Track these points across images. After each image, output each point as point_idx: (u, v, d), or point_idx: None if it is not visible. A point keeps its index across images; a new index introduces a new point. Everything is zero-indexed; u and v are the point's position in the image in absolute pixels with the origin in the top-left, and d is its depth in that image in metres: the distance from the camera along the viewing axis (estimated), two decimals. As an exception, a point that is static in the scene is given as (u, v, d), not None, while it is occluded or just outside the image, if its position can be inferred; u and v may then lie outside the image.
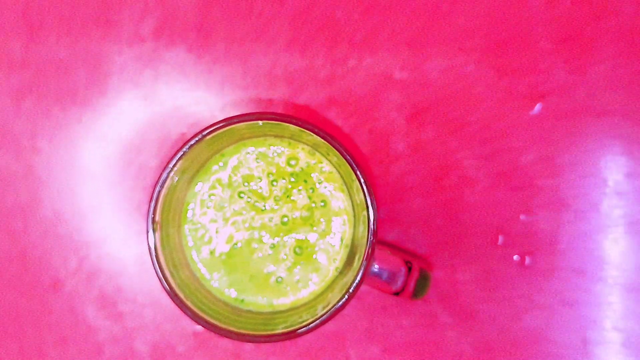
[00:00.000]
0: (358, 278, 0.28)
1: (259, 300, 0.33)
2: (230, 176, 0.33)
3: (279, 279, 0.33)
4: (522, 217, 0.37)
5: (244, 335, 0.29)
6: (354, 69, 0.37)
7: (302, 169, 0.34)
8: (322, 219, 0.33)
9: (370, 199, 0.28)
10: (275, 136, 0.33)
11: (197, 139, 0.29)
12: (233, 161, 0.33)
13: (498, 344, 0.37)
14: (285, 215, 0.33)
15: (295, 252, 0.33)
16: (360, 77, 0.38)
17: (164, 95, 0.38)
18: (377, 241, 0.33)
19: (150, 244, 0.29)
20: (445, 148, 0.37)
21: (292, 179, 0.34)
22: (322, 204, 0.33)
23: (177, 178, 0.30)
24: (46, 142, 0.38)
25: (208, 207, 0.33)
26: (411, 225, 0.37)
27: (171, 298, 0.28)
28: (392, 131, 0.37)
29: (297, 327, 0.28)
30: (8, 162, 0.38)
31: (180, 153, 0.29)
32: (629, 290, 0.37)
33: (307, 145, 0.33)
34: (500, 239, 0.37)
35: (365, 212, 0.29)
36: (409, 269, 0.32)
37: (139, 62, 0.38)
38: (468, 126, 0.37)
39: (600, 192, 0.37)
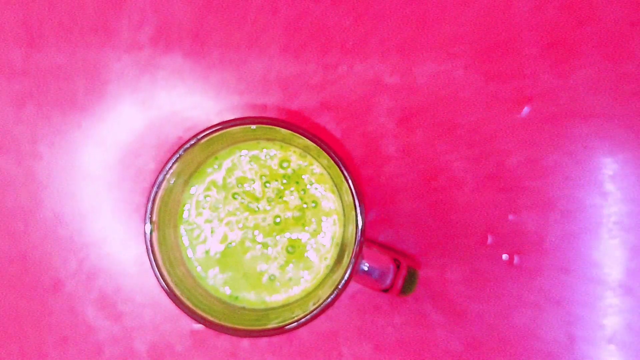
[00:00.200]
0: (347, 275, 0.29)
1: (253, 298, 0.33)
2: (224, 178, 0.33)
3: (272, 277, 0.33)
4: (510, 217, 0.37)
5: (237, 330, 0.29)
6: (346, 74, 0.38)
7: (293, 171, 0.34)
8: (313, 219, 0.33)
9: (359, 200, 0.29)
10: (268, 139, 0.33)
11: (192, 142, 0.29)
12: (227, 164, 0.33)
13: (487, 341, 0.37)
14: (277, 216, 0.33)
15: (287, 250, 0.33)
16: (351, 83, 0.38)
17: (161, 100, 0.38)
18: (368, 241, 0.33)
19: (147, 243, 0.29)
20: (434, 151, 0.38)
21: (284, 181, 0.34)
22: (313, 204, 0.34)
23: (173, 180, 0.31)
24: (46, 147, 0.38)
25: (203, 208, 0.33)
26: (402, 226, 0.38)
27: (167, 295, 0.29)
28: (383, 134, 0.38)
29: (288, 322, 0.29)
30: (9, 166, 0.38)
31: (176, 156, 0.29)
32: (613, 288, 0.37)
33: (299, 148, 0.33)
34: (490, 238, 0.37)
35: (353, 212, 0.29)
36: (397, 267, 0.33)
37: (137, 68, 0.38)
38: (456, 129, 0.38)
39: (586, 192, 0.37)
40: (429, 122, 0.38)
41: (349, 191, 0.29)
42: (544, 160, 0.38)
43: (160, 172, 0.29)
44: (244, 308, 0.33)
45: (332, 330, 0.38)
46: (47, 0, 0.38)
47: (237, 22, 0.38)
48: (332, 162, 0.29)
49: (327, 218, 0.33)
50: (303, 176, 0.34)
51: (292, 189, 0.34)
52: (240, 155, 0.34)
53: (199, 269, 0.33)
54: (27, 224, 0.38)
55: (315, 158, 0.33)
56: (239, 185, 0.34)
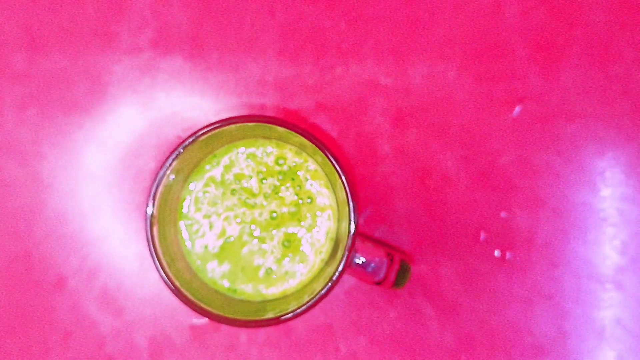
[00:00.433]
0: (341, 267, 0.29)
1: (250, 290, 0.33)
2: (222, 175, 0.33)
3: (269, 270, 0.33)
4: (502, 214, 0.38)
5: (235, 320, 0.29)
6: (341, 76, 0.38)
7: (289, 167, 0.34)
8: (308, 214, 0.34)
9: (352, 195, 0.29)
10: (264, 137, 0.33)
11: (191, 140, 0.29)
12: (225, 161, 0.34)
13: (479, 335, 0.38)
14: (274, 211, 0.34)
15: (283, 245, 0.33)
16: (347, 84, 0.38)
17: (161, 101, 0.38)
18: (362, 236, 0.33)
19: (148, 237, 0.29)
20: (428, 150, 0.38)
21: (280, 177, 0.34)
22: (309, 200, 0.34)
23: (173, 177, 0.31)
24: (49, 148, 0.38)
25: (202, 204, 0.33)
26: (396, 223, 0.38)
27: (168, 287, 0.29)
28: (378, 134, 0.38)
29: (284, 312, 0.29)
30: (13, 166, 0.38)
31: (176, 153, 0.29)
32: (602, 283, 0.37)
33: (294, 145, 0.34)
34: (482, 235, 0.38)
35: (347, 208, 0.29)
36: (391, 261, 0.33)
37: (137, 71, 0.38)
38: (449, 129, 0.38)
39: (575, 190, 0.38)
40: (423, 122, 0.38)
41: (343, 187, 0.29)
42: (534, 159, 0.38)
43: (160, 169, 0.29)
44: (241, 300, 0.33)
45: (328, 325, 0.38)
46: (49, 5, 0.39)
47: (235, 26, 0.38)
48: (326, 159, 0.29)
49: (322, 213, 0.34)
50: (298, 173, 0.34)
51: (287, 185, 0.34)
52: (238, 153, 0.34)
53: (198, 262, 0.33)
54: (30, 223, 0.38)
55: (310, 155, 0.34)
56: (237, 181, 0.34)
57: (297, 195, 0.34)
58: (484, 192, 0.38)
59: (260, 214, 0.33)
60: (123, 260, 0.38)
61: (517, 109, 0.38)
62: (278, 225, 0.34)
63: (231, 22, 0.38)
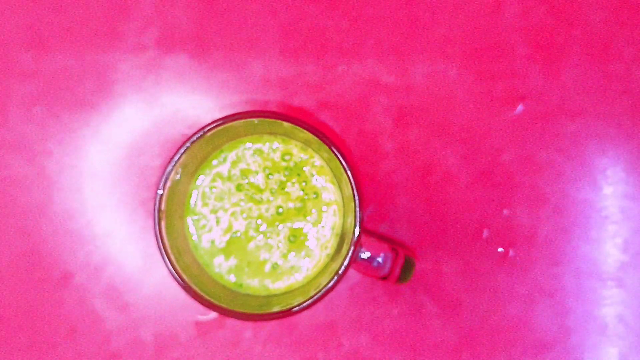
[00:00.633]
0: (346, 261, 0.29)
1: (256, 285, 0.33)
2: (229, 170, 0.34)
3: (275, 265, 0.33)
4: (504, 212, 0.38)
5: (241, 313, 0.29)
6: (343, 74, 0.38)
7: (295, 163, 0.34)
8: (314, 210, 0.34)
9: (357, 191, 0.29)
10: (270, 133, 0.34)
11: (198, 135, 0.29)
12: (232, 156, 0.34)
13: (481, 331, 0.38)
14: (280, 206, 0.34)
15: (289, 240, 0.34)
16: (349, 82, 0.38)
17: (165, 99, 0.39)
18: (367, 231, 0.33)
19: (156, 232, 0.30)
20: (430, 147, 0.38)
21: (286, 173, 0.34)
22: (314, 195, 0.34)
23: (180, 172, 0.31)
24: (56, 145, 0.39)
25: (209, 199, 0.34)
26: (399, 220, 0.38)
27: (176, 280, 0.29)
28: (380, 132, 0.38)
29: (292, 306, 0.29)
30: (20, 164, 0.39)
31: (183, 148, 0.29)
32: (603, 280, 0.38)
33: (300, 141, 0.34)
34: (485, 232, 0.38)
35: (353, 203, 0.30)
36: (395, 256, 0.33)
37: (142, 69, 0.38)
38: (451, 127, 0.38)
39: (576, 188, 0.38)
40: (425, 120, 0.38)
41: (348, 182, 0.29)
42: (536, 157, 0.38)
43: (168, 164, 0.29)
44: (248, 295, 0.33)
45: (331, 321, 0.38)
46: (56, 4, 0.39)
47: (238, 25, 0.38)
48: (332, 154, 0.30)
49: (328, 208, 0.34)
50: (304, 168, 0.34)
51: (293, 180, 0.34)
52: (245, 149, 0.34)
53: (205, 257, 0.33)
54: (37, 219, 0.38)
55: (316, 151, 0.34)
56: (243, 177, 0.34)
57: (303, 190, 0.34)
58: (485, 189, 0.38)
59: (267, 209, 0.34)
60: (129, 257, 0.39)
61: (518, 107, 0.38)
62: (284, 220, 0.34)
63: (234, 21, 0.38)
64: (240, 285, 0.33)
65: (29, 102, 0.39)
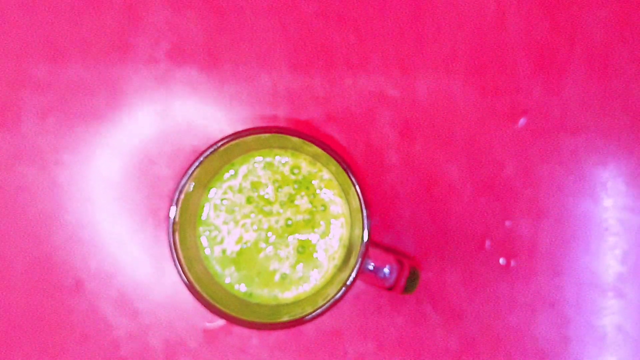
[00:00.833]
0: (354, 273, 0.29)
1: (266, 294, 0.33)
2: (240, 183, 0.34)
3: (284, 275, 0.34)
4: (506, 223, 0.38)
5: (251, 323, 0.30)
6: (350, 88, 0.38)
7: (304, 176, 0.34)
8: (322, 222, 0.34)
9: (365, 204, 0.30)
10: (280, 147, 0.34)
11: (212, 150, 0.30)
12: (243, 170, 0.34)
13: (484, 340, 0.38)
14: (289, 218, 0.34)
15: (298, 251, 0.34)
16: (355, 96, 0.38)
17: (176, 111, 0.39)
18: (373, 243, 0.33)
19: (171, 243, 0.30)
20: (434, 160, 0.38)
21: (296, 186, 0.34)
22: (322, 208, 0.34)
23: (193, 184, 0.31)
24: (69, 155, 0.39)
25: (220, 211, 0.34)
26: (403, 231, 0.38)
27: (189, 289, 0.30)
28: (386, 145, 0.38)
29: (302, 315, 0.29)
30: (34, 173, 0.39)
31: (197, 162, 0.30)
32: (603, 291, 0.38)
33: (309, 155, 0.34)
34: (487, 243, 0.38)
35: (360, 215, 0.30)
36: (401, 267, 0.33)
37: (154, 81, 0.39)
38: (455, 140, 0.38)
39: (577, 201, 0.38)
40: (429, 133, 0.38)
41: (356, 195, 0.30)
42: (537, 170, 0.38)
43: (182, 177, 0.30)
44: (257, 304, 0.33)
45: (336, 329, 0.38)
46: (70, 17, 0.39)
47: (248, 39, 0.39)
48: (341, 168, 0.30)
49: (335, 221, 0.34)
50: (313, 182, 0.34)
51: (302, 193, 0.34)
52: (255, 162, 0.34)
53: (216, 267, 0.34)
54: (50, 228, 0.39)
55: (324, 165, 0.34)
56: (254, 189, 0.34)
57: (311, 203, 0.34)
58: (488, 201, 0.38)
59: (277, 221, 0.34)
60: (139, 265, 0.39)
61: (521, 121, 0.38)
62: (293, 232, 0.34)
63: (244, 35, 0.39)
64: (250, 295, 0.34)
65: (43, 112, 0.39)
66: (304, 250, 0.34)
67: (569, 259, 0.38)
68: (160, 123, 0.39)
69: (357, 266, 0.30)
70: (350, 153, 0.38)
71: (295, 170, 0.34)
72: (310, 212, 0.34)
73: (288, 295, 0.34)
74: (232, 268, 0.34)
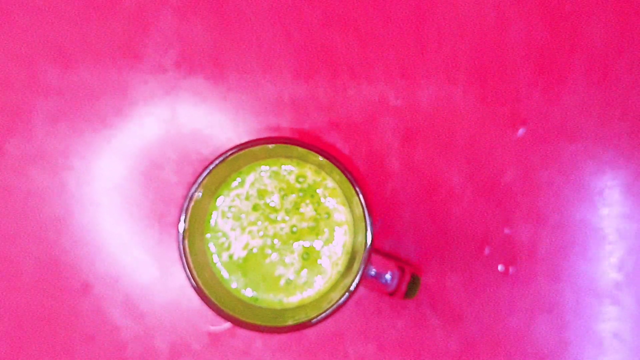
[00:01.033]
0: (357, 279, 0.30)
1: (271, 299, 0.34)
2: (247, 191, 0.34)
3: (289, 281, 0.34)
4: (505, 230, 0.38)
5: (257, 326, 0.30)
6: (353, 96, 0.39)
7: (309, 185, 0.34)
8: (326, 229, 0.34)
9: (368, 212, 0.30)
10: (286, 157, 0.34)
11: (220, 159, 0.30)
12: (250, 178, 0.34)
13: (483, 344, 0.38)
14: (294, 225, 0.34)
15: (302, 257, 0.34)
16: (358, 104, 0.39)
17: (183, 118, 0.39)
18: (375, 250, 0.34)
19: (180, 250, 0.30)
20: (435, 167, 0.39)
21: (301, 194, 0.34)
22: (326, 215, 0.34)
23: (201, 192, 0.32)
24: (78, 160, 0.39)
25: (228, 218, 0.34)
26: (405, 236, 0.38)
27: (198, 293, 0.30)
28: (388, 152, 0.39)
29: (307, 319, 0.30)
30: (44, 178, 0.39)
31: (207, 171, 0.30)
32: (600, 297, 0.38)
33: (313, 165, 0.34)
34: (487, 249, 0.38)
35: (363, 223, 0.31)
36: (402, 274, 0.34)
37: (162, 89, 0.39)
38: (455, 147, 0.39)
39: (575, 207, 0.38)
40: (430, 140, 0.39)
41: (359, 204, 0.30)
42: (536, 177, 0.39)
43: (192, 185, 0.30)
44: (262, 308, 0.34)
45: (338, 332, 0.38)
46: (81, 26, 0.39)
47: (254, 48, 0.39)
48: (344, 177, 0.30)
49: (339, 228, 0.34)
50: (317, 190, 0.34)
51: (307, 201, 0.34)
52: (261, 171, 0.34)
53: (223, 272, 0.34)
54: (58, 231, 0.39)
55: (328, 174, 0.34)
56: (260, 197, 0.34)
57: (315, 211, 0.34)
58: (488, 207, 0.39)
59: (282, 229, 0.34)
60: (145, 268, 0.39)
61: (520, 129, 0.39)
62: (298, 238, 0.34)
63: (250, 45, 0.39)
64: (256, 299, 0.34)
65: (53, 118, 0.39)
66: (309, 257, 0.34)
67: (567, 265, 0.38)
68: (167, 130, 0.39)
69: (360, 272, 0.30)
70: (353, 160, 0.39)
71: (301, 179, 0.35)
72: (315, 220, 0.34)
73: (293, 299, 0.34)
74: (239, 273, 0.34)
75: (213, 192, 0.34)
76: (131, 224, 0.39)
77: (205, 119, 0.39)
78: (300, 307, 0.33)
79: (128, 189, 0.39)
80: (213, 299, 0.30)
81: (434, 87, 0.39)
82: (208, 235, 0.34)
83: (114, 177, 0.39)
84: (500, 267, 0.38)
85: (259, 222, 0.34)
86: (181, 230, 0.30)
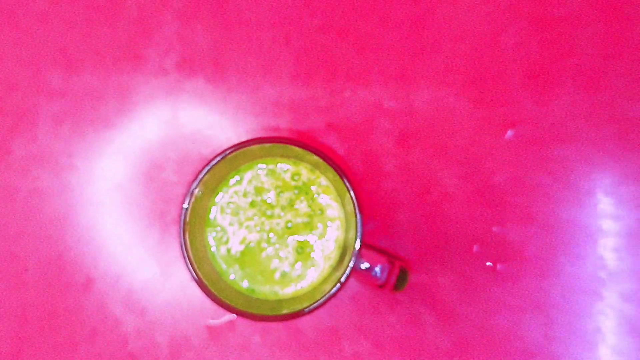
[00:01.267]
0: (348, 270, 0.31)
1: (267, 290, 0.35)
2: (245, 188, 0.35)
3: (284, 273, 0.35)
4: (494, 229, 0.38)
5: (254, 315, 0.31)
6: (350, 99, 0.39)
7: (304, 183, 0.35)
8: (319, 224, 0.35)
9: (358, 208, 0.31)
10: (282, 156, 0.35)
11: (220, 157, 0.31)
12: (247, 176, 0.35)
13: (473, 339, 0.38)
14: (289, 221, 0.35)
15: (297, 251, 0.35)
16: (354, 107, 0.39)
17: (184, 120, 0.39)
18: (366, 245, 0.34)
19: (182, 243, 0.31)
20: (429, 168, 0.39)
21: (296, 191, 0.35)
22: (320, 212, 0.35)
23: (202, 189, 0.32)
24: (81, 161, 0.39)
25: (226, 213, 0.35)
26: (399, 235, 0.39)
27: (198, 284, 0.31)
28: (383, 153, 0.39)
29: (300, 309, 0.31)
30: (48, 177, 0.39)
31: (207, 169, 0.31)
32: (586, 294, 0.38)
33: (309, 163, 0.35)
34: (475, 247, 0.38)
35: (354, 219, 0.31)
36: (391, 267, 0.34)
37: (163, 91, 0.39)
38: (449, 149, 0.39)
39: (563, 208, 0.39)
40: (425, 142, 0.39)
41: (351, 201, 0.31)
42: (526, 179, 0.39)
43: (192, 182, 0.31)
44: (259, 299, 0.34)
45: (333, 328, 0.39)
46: (84, 29, 0.40)
47: (253, 52, 0.39)
48: (337, 175, 0.31)
49: (332, 224, 0.35)
50: (312, 187, 0.35)
51: (302, 198, 0.35)
52: (259, 169, 0.35)
53: (222, 265, 0.35)
54: (62, 229, 0.39)
55: (322, 172, 0.35)
56: (257, 194, 0.35)
57: (310, 207, 0.35)
58: (480, 207, 0.39)
59: (278, 224, 0.35)
60: (146, 265, 0.39)
61: (511, 131, 0.39)
62: (293, 233, 0.35)
63: (250, 48, 0.39)
64: (253, 291, 0.34)
65: (58, 119, 0.40)
66: (303, 251, 0.35)
67: (554, 263, 0.38)
68: (169, 131, 0.39)
69: (351, 265, 0.31)
70: (349, 161, 0.39)
71: (296, 177, 0.35)
72: (309, 216, 0.35)
73: (287, 291, 0.35)
74: (237, 266, 0.35)
75: (213, 189, 0.35)
76: (132, 223, 0.39)
77: (206, 120, 0.39)
78: (295, 298, 0.34)
79: (129, 189, 0.39)
80: (213, 291, 0.31)
81: (429, 90, 0.39)
82: (208, 230, 0.35)
83: (116, 177, 0.40)
84: (488, 264, 0.38)
85: (256, 218, 0.35)
86: (182, 223, 0.31)
